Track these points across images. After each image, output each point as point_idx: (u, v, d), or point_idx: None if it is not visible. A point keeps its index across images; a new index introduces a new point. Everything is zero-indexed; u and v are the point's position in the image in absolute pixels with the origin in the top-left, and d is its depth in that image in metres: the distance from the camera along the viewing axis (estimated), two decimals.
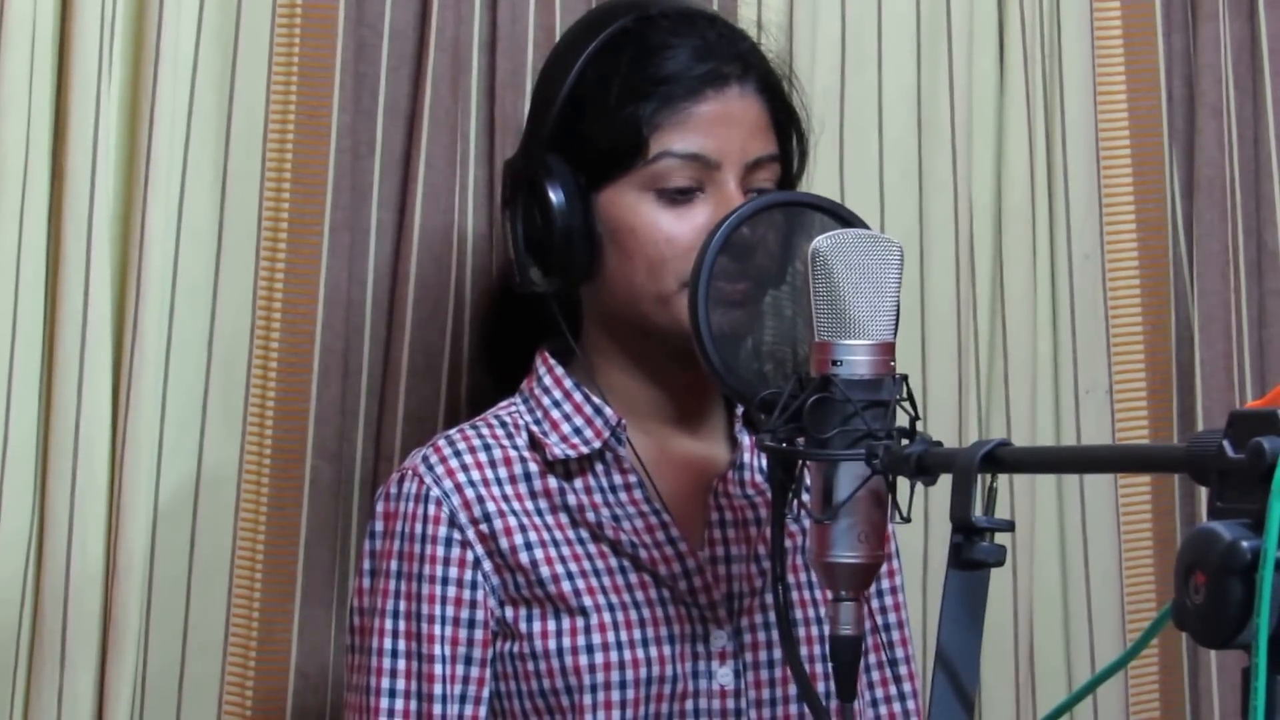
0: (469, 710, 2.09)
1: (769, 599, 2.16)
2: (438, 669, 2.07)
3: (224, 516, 2.57)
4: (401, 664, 2.09)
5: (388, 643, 2.09)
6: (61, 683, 2.48)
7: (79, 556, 2.48)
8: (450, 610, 2.09)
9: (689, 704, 2.11)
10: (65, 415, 2.47)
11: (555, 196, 2.09)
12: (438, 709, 2.07)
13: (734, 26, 2.25)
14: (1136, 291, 2.88)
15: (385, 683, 2.08)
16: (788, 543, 1.98)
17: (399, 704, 2.08)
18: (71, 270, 2.48)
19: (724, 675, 2.12)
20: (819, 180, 2.63)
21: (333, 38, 2.58)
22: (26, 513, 2.49)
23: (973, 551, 1.53)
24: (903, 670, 2.35)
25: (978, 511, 1.52)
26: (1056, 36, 2.88)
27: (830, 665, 1.74)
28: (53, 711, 2.48)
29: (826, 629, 2.01)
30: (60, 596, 2.47)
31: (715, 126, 2.09)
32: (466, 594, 2.09)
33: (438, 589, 2.09)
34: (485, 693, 2.11)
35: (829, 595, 1.73)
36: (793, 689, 2.15)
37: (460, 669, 2.09)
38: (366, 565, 2.15)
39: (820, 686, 2.09)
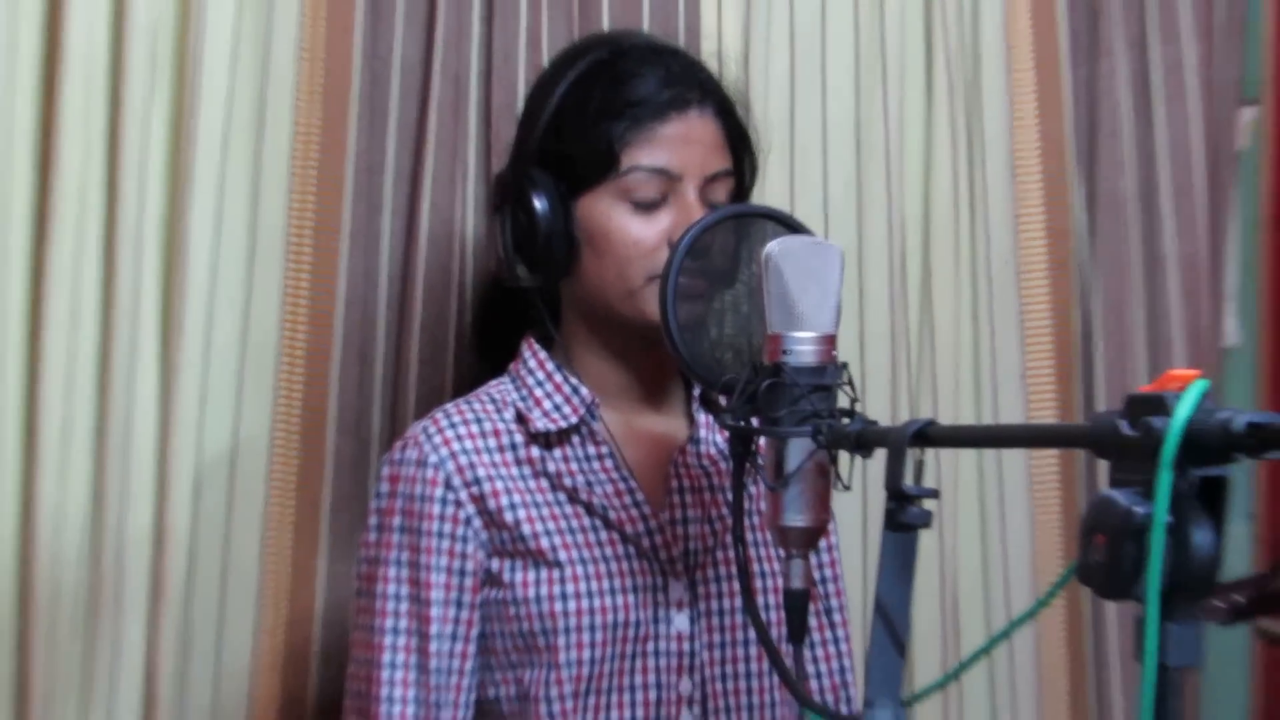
0: (459, 647, 2.19)
1: (720, 556, 2.29)
2: (434, 611, 2.17)
3: (257, 484, 2.66)
4: (404, 606, 2.18)
5: (391, 588, 2.20)
6: (117, 630, 2.56)
7: (131, 519, 2.56)
8: (445, 560, 2.19)
9: (649, 645, 2.21)
10: (119, 397, 2.55)
11: (539, 203, 2.19)
12: (433, 645, 2.16)
13: (695, 58, 2.37)
14: (1046, 292, 3.01)
15: (389, 622, 2.18)
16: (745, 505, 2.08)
17: (400, 640, 2.17)
18: (124, 270, 2.55)
19: (680, 621, 2.23)
20: (770, 194, 2.73)
21: (349, 70, 2.69)
22: (87, 481, 2.55)
23: (904, 516, 1.66)
24: (837, 618, 2.47)
25: (908, 481, 1.66)
26: (976, 70, 2.97)
27: (784, 614, 1.84)
28: (107, 656, 2.55)
29: (773, 582, 2.24)
30: (116, 553, 2.55)
31: (678, 144, 2.20)
32: (459, 546, 2.19)
33: (434, 541, 2.19)
34: (474, 633, 2.20)
35: (781, 554, 1.84)
36: (740, 634, 2.28)
37: (453, 611, 2.18)
38: (373, 521, 2.26)
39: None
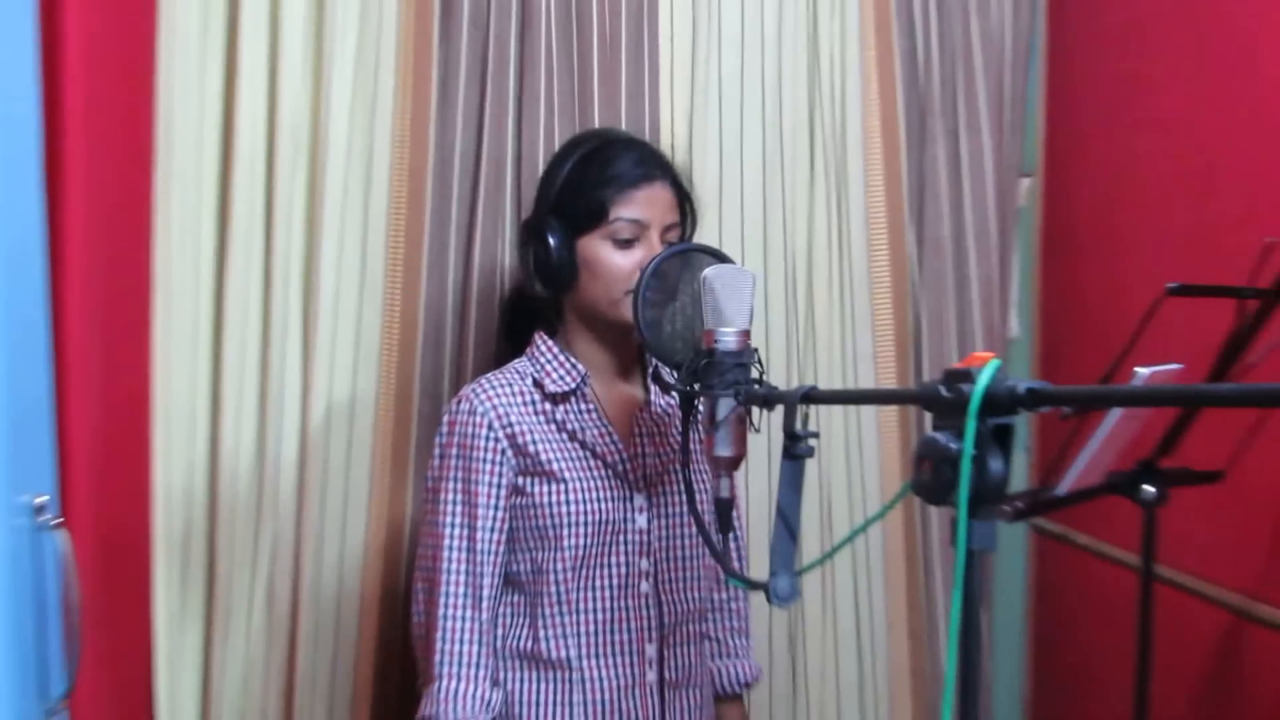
0: (496, 536, 2.18)
1: (666, 477, 2.27)
2: (480, 510, 2.17)
3: (366, 428, 2.68)
4: (459, 508, 2.18)
5: (451, 496, 2.19)
6: (275, 526, 2.61)
7: (283, 451, 2.62)
8: (487, 477, 2.18)
9: (620, 536, 2.22)
10: (275, 370, 2.60)
11: (553, 242, 2.18)
12: (479, 534, 2.16)
13: (656, 147, 2.31)
14: (889, 302, 2.99)
15: (449, 519, 2.18)
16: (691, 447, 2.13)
17: (457, 531, 2.16)
18: (276, 290, 2.59)
19: (641, 520, 2.24)
20: (705, 236, 2.64)
21: (425, 154, 2.68)
22: (254, 425, 2.61)
23: (795, 450, 1.72)
24: (739, 529, 2.50)
25: (798, 427, 1.71)
26: (843, 153, 2.94)
27: (715, 513, 1.88)
28: (268, 544, 2.61)
29: (703, 495, 2.24)
30: (273, 474, 2.61)
31: (646, 204, 2.18)
32: (497, 468, 2.18)
33: (481, 464, 2.18)
34: (505, 526, 2.20)
35: (712, 474, 1.88)
36: (680, 529, 2.28)
37: (492, 512, 2.18)
38: (437, 452, 2.23)
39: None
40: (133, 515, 2.44)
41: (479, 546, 2.18)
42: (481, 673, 2.16)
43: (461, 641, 2.16)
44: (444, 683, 2.14)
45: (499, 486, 2.21)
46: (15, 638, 1.66)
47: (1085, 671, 3.05)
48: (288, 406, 2.63)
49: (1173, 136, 2.68)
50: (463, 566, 2.18)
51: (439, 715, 2.12)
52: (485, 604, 2.18)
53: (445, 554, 2.18)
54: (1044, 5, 3.18)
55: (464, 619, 2.16)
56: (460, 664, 2.15)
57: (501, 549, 2.22)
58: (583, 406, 2.26)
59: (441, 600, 2.16)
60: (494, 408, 2.21)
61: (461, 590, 2.17)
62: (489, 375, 2.28)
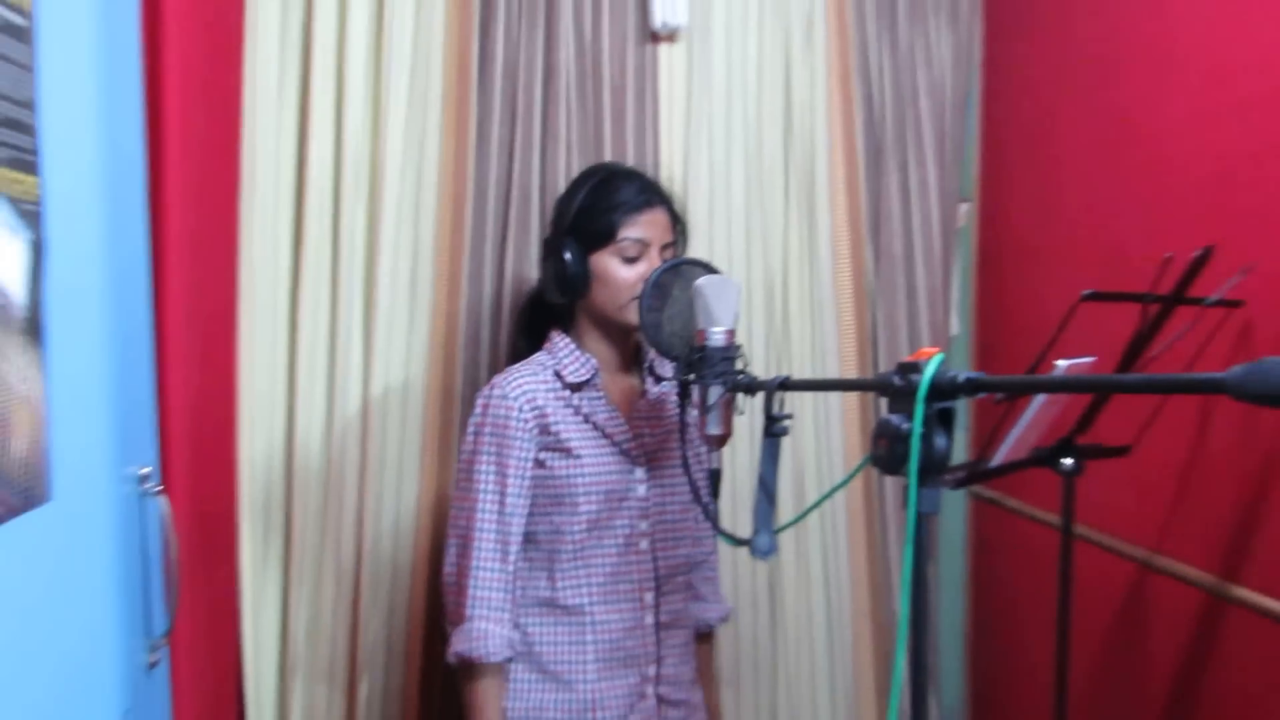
0: (521, 501, 2.18)
1: (662, 453, 2.27)
2: (510, 480, 2.17)
3: (417, 406, 2.68)
4: (492, 478, 2.17)
5: (484, 468, 2.18)
6: (340, 489, 2.61)
7: (349, 426, 2.61)
8: (517, 452, 2.18)
9: (625, 502, 2.22)
10: (340, 357, 2.60)
11: (569, 257, 2.18)
12: (508, 500, 2.16)
13: (655, 179, 2.29)
14: (851, 308, 2.95)
15: (482, 487, 2.17)
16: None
17: (489, 497, 2.16)
18: (343, 293, 2.60)
19: (641, 489, 2.23)
20: (696, 251, 2.71)
21: (465, 182, 2.67)
22: (323, 404, 2.61)
23: (773, 429, 1.73)
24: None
25: (776, 409, 1.72)
26: (812, 183, 2.90)
27: (708, 481, 1.92)
28: (335, 505, 2.61)
29: (694, 466, 2.22)
30: (340, 445, 2.61)
31: (648, 226, 2.17)
32: (524, 444, 2.18)
33: (512, 441, 2.17)
34: (529, 494, 2.19)
35: (706, 449, 1.92)
36: (674, 496, 2.28)
37: (518, 482, 2.18)
38: (471, 431, 2.21)
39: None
40: (221, 484, 2.45)
41: (507, 509, 2.17)
42: (506, 616, 2.16)
43: (491, 588, 2.15)
44: (475, 623, 2.14)
45: (525, 460, 2.19)
46: (125, 586, 1.68)
47: (1015, 612, 3.06)
48: (351, 393, 2.64)
49: (1086, 169, 2.68)
50: (493, 525, 2.17)
51: (470, 651, 2.12)
52: (511, 558, 2.18)
53: (479, 515, 2.18)
54: (979, 60, 3.16)
55: (493, 570, 2.16)
56: (489, 607, 2.15)
57: (525, 513, 2.21)
58: (595, 394, 2.23)
59: (475, 553, 2.16)
60: (524, 393, 2.20)
61: (491, 545, 2.16)
62: (516, 366, 2.27)
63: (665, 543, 2.28)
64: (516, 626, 2.20)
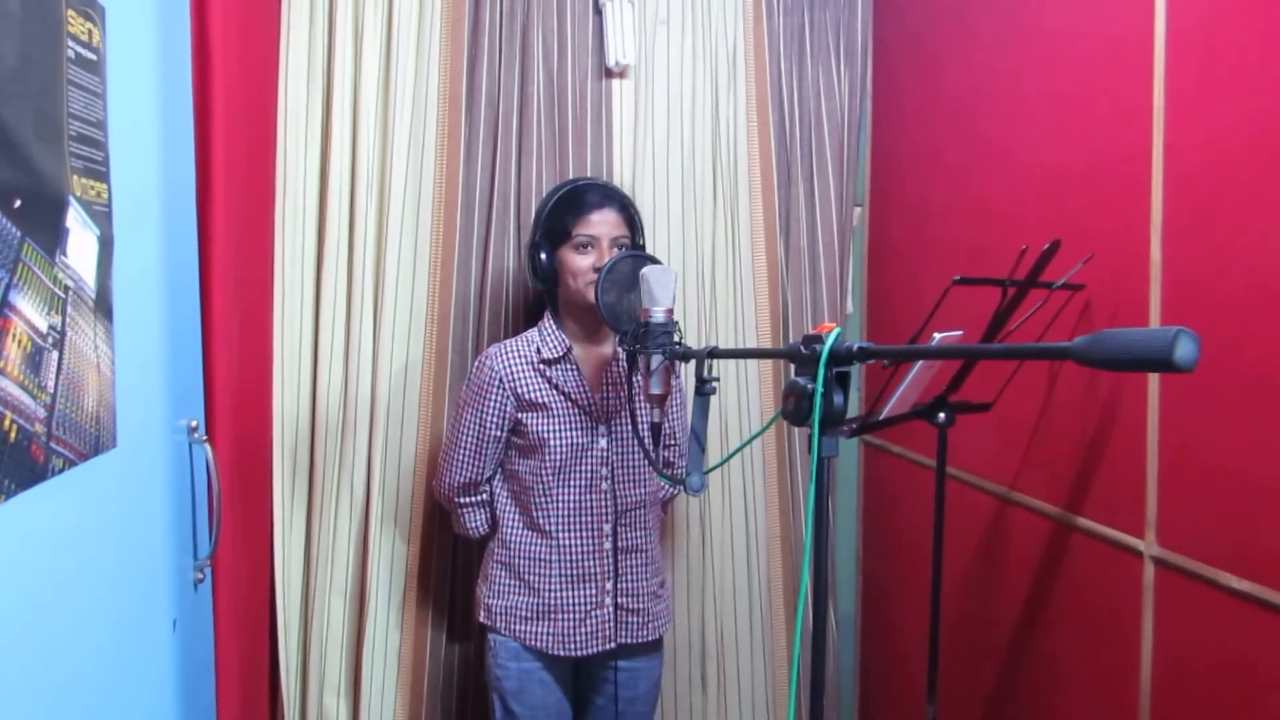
0: (494, 448, 2.24)
1: (622, 415, 2.24)
2: (487, 426, 2.21)
3: (415, 377, 2.62)
4: (473, 424, 2.22)
5: (469, 417, 2.23)
6: (354, 439, 2.57)
7: (362, 390, 2.57)
8: (494, 407, 2.20)
9: (587, 453, 2.21)
10: (354, 336, 2.56)
11: (542, 254, 2.21)
12: (485, 433, 2.21)
13: (611, 185, 2.28)
14: (766, 291, 2.90)
15: (465, 429, 2.24)
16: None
17: (469, 436, 2.23)
18: (356, 287, 2.56)
19: (602, 442, 2.22)
20: (645, 246, 2.47)
21: (457, 191, 2.62)
22: (340, 373, 2.56)
23: (703, 389, 1.72)
24: (680, 432, 2.43)
25: (705, 373, 1.71)
26: (735, 189, 2.86)
27: (649, 433, 1.91)
28: (350, 452, 2.57)
29: (645, 421, 2.13)
30: (353, 404, 2.56)
31: (598, 224, 2.19)
32: (499, 401, 2.20)
33: (491, 403, 2.20)
34: (501, 440, 2.23)
35: (650, 407, 1.87)
36: (629, 446, 2.26)
37: (494, 430, 2.22)
38: (465, 388, 2.27)
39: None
40: (257, 433, 2.42)
41: (484, 437, 2.24)
42: (479, 500, 2.31)
43: (466, 477, 2.27)
44: (463, 514, 2.32)
45: (503, 415, 2.23)
46: (176, 517, 1.69)
47: (899, 539, 3.06)
48: (363, 361, 2.61)
49: (957, 178, 2.66)
50: (470, 445, 2.25)
51: (464, 532, 2.35)
52: (485, 468, 2.27)
53: (458, 448, 2.26)
54: (870, 91, 3.13)
55: (469, 468, 2.26)
56: (466, 494, 2.30)
57: (496, 455, 2.26)
58: (566, 367, 2.24)
59: (456, 459, 2.26)
60: (504, 367, 2.22)
61: (469, 455, 2.25)
62: (507, 341, 2.29)
63: (624, 484, 2.27)
64: (486, 506, 2.33)
